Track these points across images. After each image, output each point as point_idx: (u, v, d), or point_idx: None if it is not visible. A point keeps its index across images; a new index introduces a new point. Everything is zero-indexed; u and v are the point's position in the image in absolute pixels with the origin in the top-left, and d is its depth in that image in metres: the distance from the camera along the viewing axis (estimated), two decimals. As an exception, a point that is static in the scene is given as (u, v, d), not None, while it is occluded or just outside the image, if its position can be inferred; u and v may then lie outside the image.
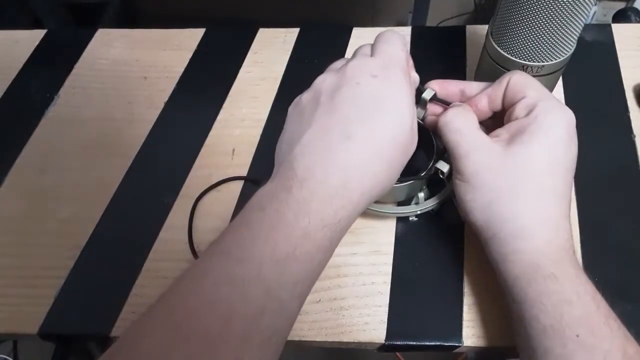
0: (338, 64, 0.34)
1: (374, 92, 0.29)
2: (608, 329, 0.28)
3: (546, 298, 0.29)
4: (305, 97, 0.32)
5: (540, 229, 0.31)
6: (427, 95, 0.38)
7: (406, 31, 0.54)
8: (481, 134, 0.34)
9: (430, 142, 0.38)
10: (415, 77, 0.35)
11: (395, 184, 0.37)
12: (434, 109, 0.38)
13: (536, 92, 0.33)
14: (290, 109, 0.33)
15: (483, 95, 0.36)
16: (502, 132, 0.34)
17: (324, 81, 0.31)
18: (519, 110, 0.34)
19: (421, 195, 0.38)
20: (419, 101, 0.38)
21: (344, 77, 0.30)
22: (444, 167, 0.36)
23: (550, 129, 0.32)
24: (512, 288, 0.31)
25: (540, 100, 0.33)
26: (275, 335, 0.26)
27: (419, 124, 0.40)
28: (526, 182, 0.31)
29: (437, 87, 0.38)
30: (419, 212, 0.39)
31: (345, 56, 0.52)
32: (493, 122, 0.37)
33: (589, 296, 0.29)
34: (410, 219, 0.40)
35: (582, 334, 0.27)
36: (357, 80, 0.30)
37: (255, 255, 0.26)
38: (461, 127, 0.34)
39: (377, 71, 0.30)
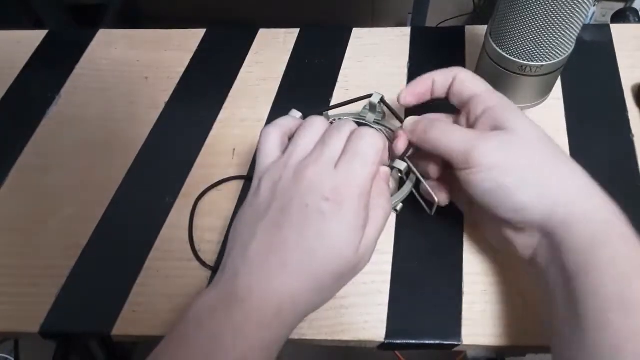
0: (307, 134, 0.33)
1: (319, 220, 0.29)
2: None
3: (619, 259, 0.27)
4: (264, 188, 0.32)
5: (591, 189, 0.30)
6: (374, 99, 0.39)
7: (406, 32, 0.54)
8: (465, 129, 0.34)
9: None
10: (386, 170, 0.34)
11: None
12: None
13: (486, 96, 0.34)
14: (253, 183, 0.33)
15: (428, 78, 0.36)
16: (479, 128, 0.33)
17: (280, 179, 0.31)
18: (475, 109, 0.34)
19: None
20: (370, 107, 0.39)
21: (299, 185, 0.30)
22: (401, 165, 0.36)
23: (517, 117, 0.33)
24: (576, 261, 0.28)
25: (496, 106, 0.33)
26: None
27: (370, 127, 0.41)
28: (543, 154, 0.31)
29: (410, 98, 0.37)
30: None
31: (345, 56, 0.53)
32: None
33: None
34: None
35: None
36: (306, 202, 0.29)
37: None
38: (441, 132, 0.34)
39: (330, 194, 0.29)
